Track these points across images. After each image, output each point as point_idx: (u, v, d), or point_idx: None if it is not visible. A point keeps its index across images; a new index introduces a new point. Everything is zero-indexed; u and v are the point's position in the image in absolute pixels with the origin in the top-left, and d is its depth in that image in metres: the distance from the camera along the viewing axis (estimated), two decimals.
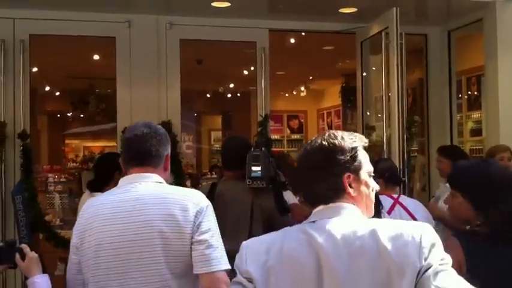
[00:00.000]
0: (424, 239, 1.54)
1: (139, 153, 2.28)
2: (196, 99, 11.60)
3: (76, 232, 2.19)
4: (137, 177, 2.24)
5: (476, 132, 7.51)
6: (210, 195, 3.57)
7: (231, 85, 10.98)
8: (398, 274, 1.52)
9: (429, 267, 1.52)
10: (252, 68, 7.89)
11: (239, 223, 3.47)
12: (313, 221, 1.65)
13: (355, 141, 1.70)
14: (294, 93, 11.86)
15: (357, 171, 1.68)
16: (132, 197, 2.15)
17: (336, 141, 1.68)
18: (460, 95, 7.15)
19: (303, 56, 8.26)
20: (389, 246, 1.53)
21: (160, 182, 2.27)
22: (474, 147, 7.51)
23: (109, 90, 8.76)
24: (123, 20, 5.31)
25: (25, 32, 5.17)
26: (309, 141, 1.74)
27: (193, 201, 2.18)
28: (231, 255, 3.45)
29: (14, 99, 5.11)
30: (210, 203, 2.30)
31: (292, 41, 7.05)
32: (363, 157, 1.71)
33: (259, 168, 3.36)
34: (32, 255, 2.18)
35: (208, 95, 11.97)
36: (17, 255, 2.20)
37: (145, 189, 2.20)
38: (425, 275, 1.51)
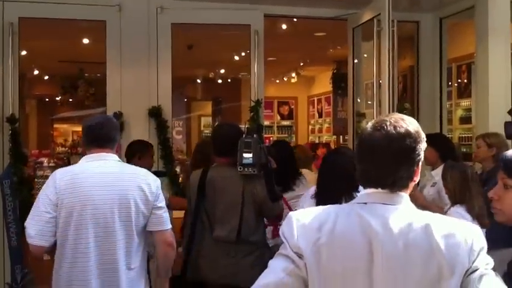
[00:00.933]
0: (475, 243, 1.58)
1: (99, 137, 2.93)
2: (187, 85, 11.56)
3: (54, 191, 2.81)
4: (102, 156, 2.91)
5: (466, 120, 7.54)
6: (201, 182, 3.57)
7: (222, 71, 10.93)
8: (448, 272, 1.55)
9: (476, 270, 1.56)
10: (243, 54, 7.88)
11: (230, 209, 3.48)
12: (365, 203, 1.64)
13: (421, 130, 1.69)
14: (285, 79, 11.83)
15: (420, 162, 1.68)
16: (111, 171, 2.88)
17: (419, 130, 1.68)
18: (450, 83, 7.17)
19: (294, 42, 8.23)
20: (442, 243, 1.56)
21: (119, 161, 3.00)
22: (463, 135, 7.55)
23: (98, 75, 8.71)
24: (113, 4, 5.26)
25: (14, 15, 5.11)
26: (384, 121, 1.66)
27: (152, 178, 2.97)
28: (224, 241, 3.47)
29: (2, 83, 5.06)
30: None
31: (284, 26, 7.02)
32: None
33: (250, 155, 3.37)
34: None
35: (198, 81, 11.92)
36: None
37: (116, 165, 2.93)
38: (471, 276, 1.56)
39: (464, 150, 7.12)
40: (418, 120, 5.88)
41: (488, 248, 1.62)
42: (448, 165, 4.09)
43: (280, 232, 1.68)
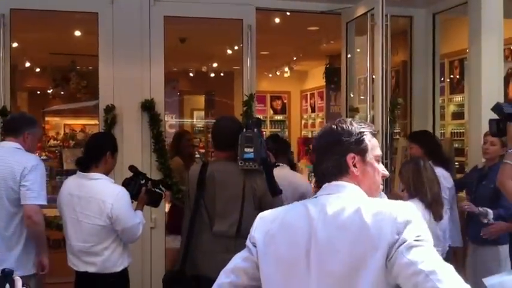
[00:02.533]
0: (400, 215, 1.65)
1: (10, 128, 3.94)
2: (179, 79, 11.52)
3: None
4: (3, 143, 3.91)
5: (458, 115, 7.58)
6: (201, 176, 3.56)
7: (215, 65, 10.90)
8: (372, 247, 1.63)
9: (404, 242, 1.61)
10: (236, 48, 7.85)
11: (230, 204, 3.47)
12: (316, 197, 1.84)
13: (362, 127, 1.87)
14: (278, 73, 11.82)
15: (362, 153, 1.84)
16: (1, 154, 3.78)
17: (344, 126, 1.86)
18: (442, 78, 7.18)
19: (287, 36, 8.22)
20: (369, 221, 1.66)
21: (18, 148, 3.80)
22: (456, 131, 7.59)
23: (90, 68, 8.67)
24: None
25: (6, 6, 5.06)
26: (323, 126, 1.97)
27: (24, 160, 3.70)
28: (223, 236, 3.46)
29: None
30: (40, 164, 3.84)
31: (277, 20, 7.00)
32: (370, 142, 1.87)
33: (251, 150, 3.36)
34: None
35: (191, 74, 11.89)
36: (7, 286, 2.21)
37: (8, 150, 3.78)
38: (400, 249, 1.61)
39: (457, 145, 7.15)
40: (410, 115, 5.93)
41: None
42: (404, 162, 4.13)
43: None
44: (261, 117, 12.86)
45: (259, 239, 1.83)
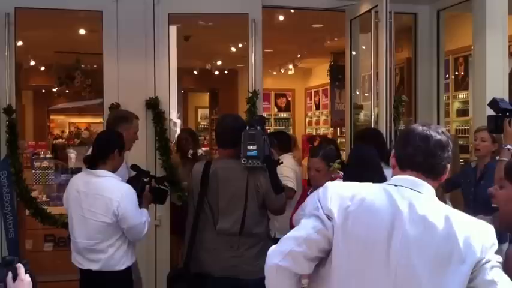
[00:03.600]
0: (487, 238, 1.84)
1: None
2: (184, 76, 11.53)
3: None
4: None
5: (463, 112, 7.56)
6: (204, 174, 3.57)
7: (219, 62, 10.90)
8: (459, 259, 1.78)
9: (488, 261, 1.81)
10: (241, 45, 7.85)
11: (234, 202, 3.48)
12: (396, 185, 1.90)
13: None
14: (282, 71, 11.81)
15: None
16: None
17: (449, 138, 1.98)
18: (447, 75, 7.17)
19: (291, 33, 8.21)
20: (459, 233, 1.80)
21: None
22: (460, 128, 7.57)
23: (95, 66, 8.68)
24: None
25: (10, 5, 5.07)
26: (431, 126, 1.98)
27: None
28: (227, 233, 3.48)
29: None
30: None
31: (281, 18, 7.00)
32: None
33: (255, 147, 3.38)
34: (25, 278, 2.19)
35: (195, 72, 11.89)
36: (9, 274, 2.20)
37: None
38: (485, 266, 1.80)
39: (461, 142, 7.14)
40: (415, 112, 5.90)
41: None
42: None
43: (315, 197, 1.96)
44: (265, 115, 12.87)
45: (337, 213, 1.84)
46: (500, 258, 1.85)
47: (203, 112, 15.18)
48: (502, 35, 5.08)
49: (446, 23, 6.09)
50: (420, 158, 1.90)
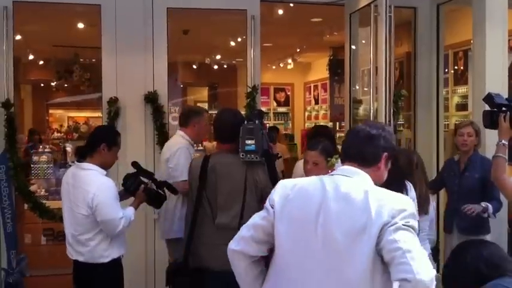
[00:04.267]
0: (397, 204, 2.04)
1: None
2: (183, 71, 11.51)
3: None
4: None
5: (462, 107, 7.55)
6: (203, 169, 3.56)
7: (218, 57, 10.88)
8: (370, 224, 2.00)
9: (394, 224, 1.98)
10: (240, 40, 7.83)
11: (233, 196, 3.46)
12: (332, 175, 2.22)
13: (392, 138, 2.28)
14: (281, 65, 11.79)
15: (391, 155, 2.26)
16: None
17: (389, 129, 2.31)
18: (446, 70, 7.15)
19: (290, 27, 8.20)
20: (372, 204, 2.03)
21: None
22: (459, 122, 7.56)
23: (94, 60, 8.66)
24: None
25: None
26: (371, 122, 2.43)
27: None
28: (226, 228, 3.46)
29: None
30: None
31: (280, 12, 6.98)
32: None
33: (253, 142, 3.36)
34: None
35: (194, 66, 11.87)
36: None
37: None
38: (389, 228, 1.98)
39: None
40: (414, 106, 5.90)
41: None
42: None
43: None
44: (264, 109, 12.86)
45: (277, 202, 2.17)
46: (412, 222, 2.01)
47: (202, 106, 15.15)
48: (502, 29, 5.07)
49: (446, 17, 6.08)
50: (352, 150, 2.23)
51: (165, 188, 4.12)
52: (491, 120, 3.68)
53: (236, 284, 2.37)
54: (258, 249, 2.24)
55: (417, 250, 1.93)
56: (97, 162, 3.70)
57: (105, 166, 3.75)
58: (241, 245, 2.25)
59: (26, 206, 5.38)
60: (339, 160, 2.63)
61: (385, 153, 2.22)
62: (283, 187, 2.21)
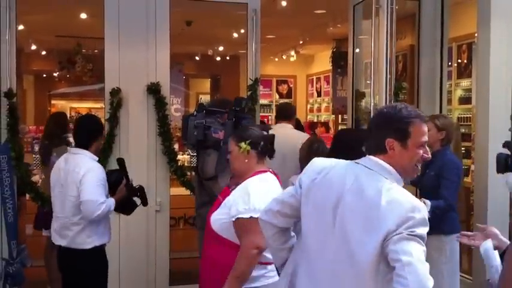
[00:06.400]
0: (407, 211, 2.02)
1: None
2: (185, 62, 11.48)
3: None
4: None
5: (465, 100, 7.52)
6: None
7: (221, 48, 10.85)
8: (377, 226, 2.03)
9: (398, 234, 1.99)
10: (242, 31, 7.80)
11: None
12: (357, 163, 2.23)
13: (411, 115, 2.18)
14: (284, 57, 11.76)
15: (403, 139, 2.17)
16: None
17: (392, 111, 2.21)
18: (450, 63, 7.12)
19: (293, 19, 8.16)
20: (383, 204, 2.04)
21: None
22: (462, 116, 7.54)
23: (96, 51, 8.64)
24: None
25: None
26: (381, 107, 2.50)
27: None
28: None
29: (0, 58, 5.02)
30: None
31: (283, 4, 6.95)
32: (415, 129, 2.17)
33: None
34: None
35: (197, 58, 11.84)
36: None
37: None
38: (393, 238, 1.99)
39: (463, 130, 7.11)
40: (417, 99, 5.85)
41: None
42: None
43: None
44: (266, 101, 12.84)
45: (305, 183, 2.30)
46: (419, 231, 2.00)
47: (205, 98, 15.13)
48: (507, 22, 5.03)
49: (451, 9, 6.04)
50: (369, 143, 2.26)
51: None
52: (505, 164, 3.60)
53: None
54: (284, 222, 2.41)
55: (417, 263, 1.95)
56: (92, 150, 3.89)
57: (97, 154, 3.97)
58: (268, 215, 2.42)
59: (27, 196, 5.38)
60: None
61: (388, 140, 2.17)
62: (312, 169, 2.32)
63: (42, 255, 5.39)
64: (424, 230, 2.02)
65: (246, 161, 3.03)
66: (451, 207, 4.30)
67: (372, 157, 2.20)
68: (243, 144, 3.03)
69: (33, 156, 6.51)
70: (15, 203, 5.03)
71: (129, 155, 4.93)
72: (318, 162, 2.34)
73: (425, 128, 2.21)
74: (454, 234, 4.32)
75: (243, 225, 2.83)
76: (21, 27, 5.92)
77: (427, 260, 1.98)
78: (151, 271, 5.25)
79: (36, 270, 5.25)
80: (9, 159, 4.99)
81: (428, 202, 4.09)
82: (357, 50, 5.96)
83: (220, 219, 2.97)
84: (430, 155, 2.27)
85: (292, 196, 2.35)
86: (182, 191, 5.40)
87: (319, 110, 12.82)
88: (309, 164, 2.35)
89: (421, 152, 2.21)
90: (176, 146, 5.71)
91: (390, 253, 1.99)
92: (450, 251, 4.30)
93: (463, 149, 6.47)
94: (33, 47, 9.60)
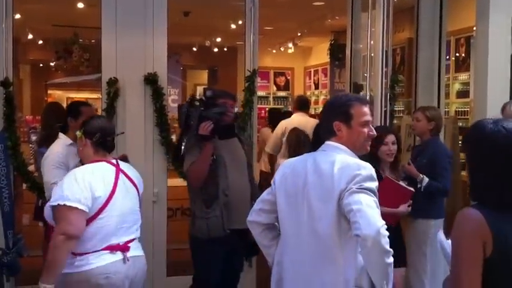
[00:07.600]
0: (355, 170, 2.39)
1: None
2: (183, 53, 11.45)
3: None
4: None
5: (463, 94, 7.53)
6: None
7: (218, 39, 10.82)
8: (333, 189, 2.40)
9: (350, 189, 2.35)
10: (240, 22, 7.78)
11: None
12: (317, 150, 2.62)
13: (350, 99, 2.60)
14: (282, 49, 11.74)
15: (347, 120, 2.55)
16: None
17: (335, 98, 2.71)
18: (448, 56, 7.12)
19: (291, 11, 8.14)
20: (335, 171, 2.42)
21: None
22: (460, 109, 7.55)
23: (93, 40, 8.61)
24: None
25: None
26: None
27: None
28: None
29: None
30: None
31: None
32: (356, 110, 2.55)
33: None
34: None
35: (194, 49, 11.81)
36: None
37: None
38: (345, 193, 2.35)
39: (461, 124, 7.12)
40: (415, 92, 5.85)
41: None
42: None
43: None
44: (264, 93, 12.83)
45: (277, 179, 2.68)
46: (370, 184, 2.36)
47: (202, 90, 15.10)
48: (506, 16, 5.02)
49: (449, 3, 6.03)
50: (322, 130, 2.68)
51: None
52: None
53: None
54: (267, 218, 2.77)
55: (365, 207, 2.28)
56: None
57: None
58: (253, 216, 2.81)
59: (24, 185, 5.37)
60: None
61: (335, 123, 2.55)
62: (282, 167, 2.73)
63: (40, 245, 5.38)
64: (371, 184, 2.37)
65: (81, 148, 3.34)
66: (446, 193, 4.62)
67: (326, 141, 2.57)
68: (78, 132, 3.35)
69: (30, 146, 6.49)
70: (12, 192, 5.01)
71: (126, 145, 4.92)
72: (286, 161, 2.76)
73: (366, 109, 2.55)
74: (440, 219, 4.63)
75: (55, 212, 3.02)
76: (18, 16, 5.88)
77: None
78: (148, 262, 5.22)
79: (34, 260, 5.24)
80: (6, 148, 4.97)
81: (426, 178, 4.46)
82: (355, 43, 5.94)
83: (47, 206, 3.15)
84: (375, 132, 2.59)
85: (269, 193, 2.73)
86: (180, 182, 5.39)
87: (316, 102, 12.81)
88: (280, 165, 2.77)
89: (366, 130, 2.55)
90: (173, 137, 5.68)
91: (345, 207, 2.34)
92: (434, 235, 4.39)
93: (460, 142, 6.47)
94: (30, 37, 9.56)
